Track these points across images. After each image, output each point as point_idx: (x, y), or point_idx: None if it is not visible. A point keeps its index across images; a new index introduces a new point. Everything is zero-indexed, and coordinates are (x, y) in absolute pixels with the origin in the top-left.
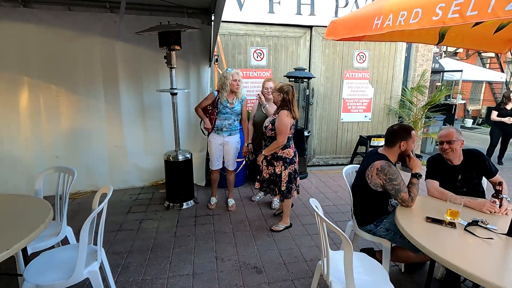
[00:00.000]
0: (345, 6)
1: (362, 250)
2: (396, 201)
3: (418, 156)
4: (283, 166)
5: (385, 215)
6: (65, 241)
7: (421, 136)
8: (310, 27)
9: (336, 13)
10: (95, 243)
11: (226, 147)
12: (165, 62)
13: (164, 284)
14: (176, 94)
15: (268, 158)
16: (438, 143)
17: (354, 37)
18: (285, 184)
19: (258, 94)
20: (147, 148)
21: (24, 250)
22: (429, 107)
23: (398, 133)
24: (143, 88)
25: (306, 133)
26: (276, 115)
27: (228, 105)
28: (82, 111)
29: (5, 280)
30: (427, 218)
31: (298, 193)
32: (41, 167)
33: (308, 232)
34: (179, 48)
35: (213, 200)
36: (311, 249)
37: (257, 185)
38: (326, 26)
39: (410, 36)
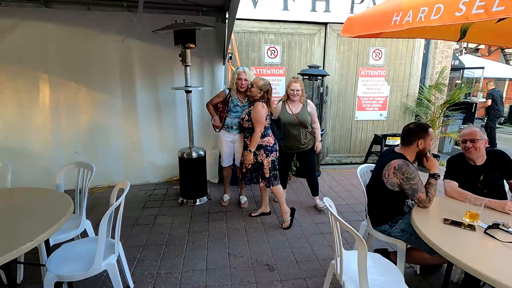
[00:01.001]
0: (361, 2)
1: (376, 251)
2: (412, 201)
3: (436, 156)
4: (264, 154)
5: (400, 215)
6: (84, 234)
7: (439, 135)
8: (325, 24)
9: (352, 9)
10: (113, 237)
11: (236, 145)
12: (180, 60)
13: (178, 279)
14: (190, 91)
15: (251, 150)
16: (460, 142)
17: (371, 34)
18: (268, 171)
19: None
20: (162, 145)
21: (47, 242)
22: (447, 105)
23: (415, 131)
24: (158, 86)
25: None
26: (251, 107)
27: (239, 103)
28: (100, 108)
29: (29, 269)
30: (445, 219)
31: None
32: (61, 162)
33: (320, 231)
34: (194, 46)
35: (226, 197)
36: (324, 248)
37: (241, 176)
38: (341, 23)
39: (430, 32)
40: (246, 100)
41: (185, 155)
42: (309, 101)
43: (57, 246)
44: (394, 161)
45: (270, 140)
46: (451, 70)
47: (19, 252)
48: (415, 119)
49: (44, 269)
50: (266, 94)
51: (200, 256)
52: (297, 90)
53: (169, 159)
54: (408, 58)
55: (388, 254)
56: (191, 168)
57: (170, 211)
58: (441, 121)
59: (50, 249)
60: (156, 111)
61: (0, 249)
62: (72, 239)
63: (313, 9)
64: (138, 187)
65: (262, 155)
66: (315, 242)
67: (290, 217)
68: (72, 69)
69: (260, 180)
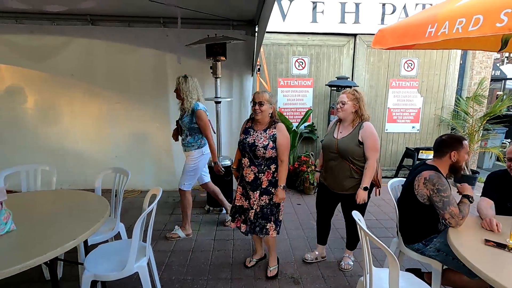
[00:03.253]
0: (392, 13)
1: (408, 270)
2: (442, 217)
3: (475, 172)
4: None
5: (435, 234)
6: (117, 237)
7: (477, 150)
8: (354, 35)
9: (382, 20)
10: (144, 240)
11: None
12: (211, 72)
13: (204, 286)
14: (220, 102)
15: (264, 186)
16: (506, 159)
17: (404, 46)
18: (281, 214)
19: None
20: None
21: (85, 242)
22: (487, 118)
23: (449, 143)
24: None
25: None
26: (274, 129)
27: (180, 117)
28: (137, 117)
29: (68, 267)
30: (487, 240)
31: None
32: (104, 164)
33: None
34: (224, 59)
35: (228, 217)
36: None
37: (243, 227)
38: (371, 34)
39: (467, 43)
40: (184, 111)
41: (212, 164)
42: (366, 124)
43: (93, 246)
44: (425, 172)
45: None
46: (491, 81)
47: (62, 249)
48: (450, 132)
49: (82, 268)
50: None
51: (225, 264)
52: (342, 103)
53: None
54: (443, 68)
55: (421, 274)
56: (218, 177)
57: (196, 218)
58: (480, 135)
59: (87, 249)
60: None
61: (46, 246)
62: (106, 241)
63: (342, 21)
64: (167, 193)
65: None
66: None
67: (277, 265)
68: (114, 81)
69: (270, 228)
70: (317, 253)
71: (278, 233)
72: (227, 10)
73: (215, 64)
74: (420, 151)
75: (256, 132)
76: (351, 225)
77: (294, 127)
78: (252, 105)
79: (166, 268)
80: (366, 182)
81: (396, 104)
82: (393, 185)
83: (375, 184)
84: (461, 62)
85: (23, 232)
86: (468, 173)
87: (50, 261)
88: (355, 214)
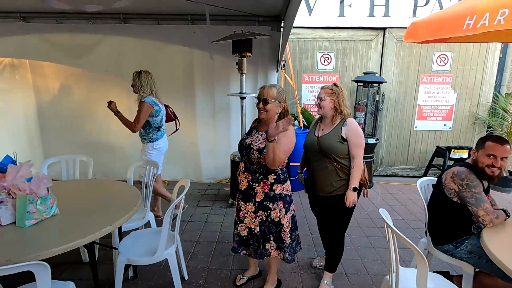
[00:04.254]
0: (425, 5)
1: (436, 273)
2: (476, 218)
3: None
4: (283, 209)
5: (466, 235)
6: (146, 225)
7: None
8: (383, 29)
9: (414, 13)
10: (172, 229)
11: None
12: (236, 68)
13: (228, 276)
14: (245, 98)
15: (259, 199)
16: None
17: (438, 39)
18: (288, 234)
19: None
20: (216, 148)
21: (119, 228)
22: None
23: (478, 141)
24: (214, 92)
25: (374, 140)
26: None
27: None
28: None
29: (102, 251)
30: None
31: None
32: (134, 156)
33: (372, 245)
34: (250, 54)
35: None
36: (375, 263)
37: (235, 245)
38: (401, 28)
39: (509, 35)
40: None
41: (237, 158)
42: (350, 120)
43: (125, 233)
44: (454, 167)
45: (289, 185)
46: None
47: (100, 234)
48: (487, 131)
49: (116, 252)
50: (285, 104)
51: None
52: (320, 99)
53: (221, 161)
54: (480, 63)
55: (450, 277)
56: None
57: (220, 210)
58: None
59: (121, 235)
60: (212, 115)
61: (86, 230)
62: (137, 229)
63: (371, 14)
64: (192, 185)
65: (279, 210)
66: (366, 255)
67: None
68: None
69: (271, 248)
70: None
71: (288, 261)
72: (254, 6)
73: (241, 60)
74: (452, 150)
75: (257, 133)
76: (333, 235)
77: None
78: (256, 102)
79: (192, 257)
80: (354, 182)
81: (427, 100)
82: (423, 184)
83: (362, 184)
84: (500, 56)
85: (65, 217)
86: (505, 175)
87: (89, 244)
88: (382, 212)
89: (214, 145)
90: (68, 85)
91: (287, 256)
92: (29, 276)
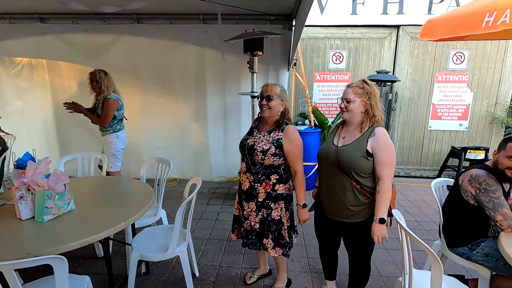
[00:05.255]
0: (440, 2)
1: (451, 276)
2: (493, 220)
3: None
4: (283, 209)
5: (482, 238)
6: (158, 222)
7: None
8: (397, 26)
9: (429, 10)
10: (184, 227)
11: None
12: (248, 67)
13: (238, 274)
14: (256, 97)
15: (261, 199)
16: None
17: (456, 37)
18: (287, 232)
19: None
20: (226, 146)
21: (133, 224)
22: None
23: (500, 143)
24: (225, 91)
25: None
26: (280, 132)
27: (96, 106)
28: (177, 110)
29: (115, 247)
30: None
31: (297, 233)
32: (147, 155)
33: (384, 246)
34: (261, 53)
35: None
36: (387, 264)
37: (233, 236)
38: (416, 25)
39: None
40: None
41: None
42: (379, 130)
43: (138, 230)
44: (473, 169)
45: (291, 184)
46: None
47: (115, 229)
48: (505, 132)
49: (130, 248)
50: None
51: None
52: (347, 101)
53: (231, 160)
54: (499, 61)
55: (465, 281)
56: None
57: (230, 209)
58: None
59: (134, 232)
60: (223, 114)
61: (102, 226)
62: (149, 226)
63: (385, 12)
64: (203, 183)
65: (280, 209)
66: (378, 257)
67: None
68: (157, 76)
69: (268, 245)
70: None
71: (285, 256)
72: (265, 5)
73: (252, 59)
74: (468, 150)
75: (260, 133)
76: (356, 265)
77: (329, 123)
78: (259, 100)
79: (202, 255)
80: (381, 211)
81: (442, 99)
82: (437, 185)
83: (389, 212)
84: None
85: (81, 212)
86: None
87: (104, 240)
88: (396, 213)
89: (224, 144)
90: (83, 85)
91: (286, 250)
92: (46, 270)
